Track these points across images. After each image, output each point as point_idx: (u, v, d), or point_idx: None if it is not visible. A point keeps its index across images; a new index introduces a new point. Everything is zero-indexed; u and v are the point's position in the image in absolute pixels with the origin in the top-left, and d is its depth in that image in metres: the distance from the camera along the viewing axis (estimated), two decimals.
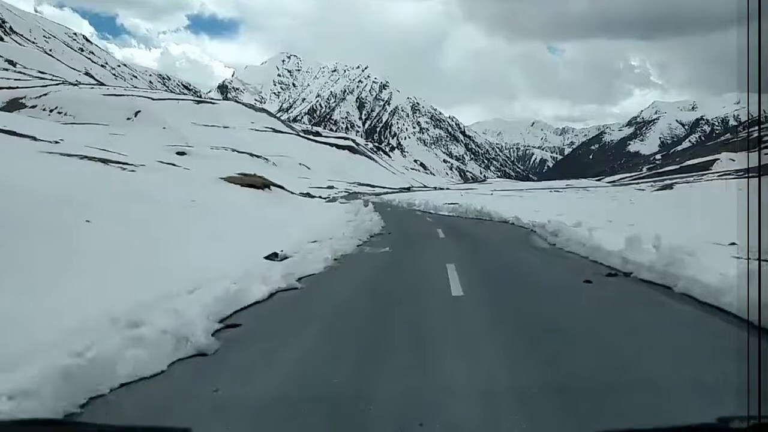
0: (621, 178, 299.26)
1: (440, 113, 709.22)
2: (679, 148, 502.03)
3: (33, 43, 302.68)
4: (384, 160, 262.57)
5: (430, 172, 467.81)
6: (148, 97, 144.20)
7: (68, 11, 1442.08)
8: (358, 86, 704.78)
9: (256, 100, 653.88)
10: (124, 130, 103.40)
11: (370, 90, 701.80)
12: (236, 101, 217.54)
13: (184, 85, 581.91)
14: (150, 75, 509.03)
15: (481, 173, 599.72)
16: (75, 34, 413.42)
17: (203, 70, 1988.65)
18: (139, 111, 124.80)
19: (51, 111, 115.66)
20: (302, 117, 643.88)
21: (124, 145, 75.40)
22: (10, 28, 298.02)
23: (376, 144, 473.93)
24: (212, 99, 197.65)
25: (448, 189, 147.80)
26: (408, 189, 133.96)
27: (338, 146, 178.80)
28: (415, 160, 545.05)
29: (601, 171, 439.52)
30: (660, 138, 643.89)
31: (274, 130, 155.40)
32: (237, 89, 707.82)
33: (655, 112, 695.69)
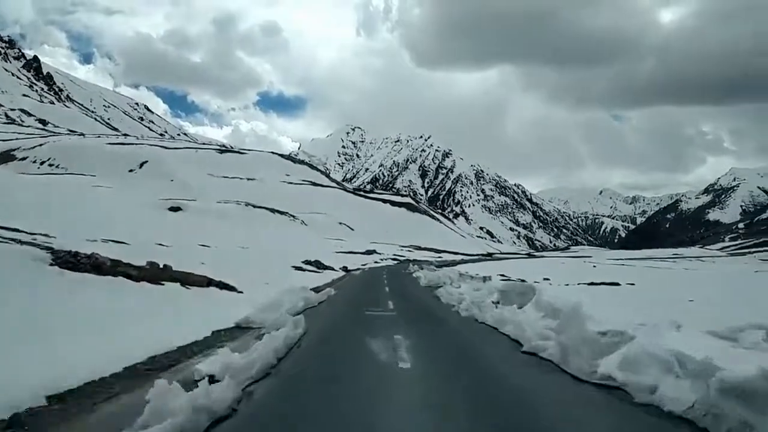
0: (726, 246, 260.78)
1: (505, 180, 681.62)
2: (763, 216, 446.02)
3: (91, 111, 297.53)
4: (452, 223, 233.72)
5: (498, 240, 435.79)
6: (161, 146, 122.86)
7: (144, 90, 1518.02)
8: (420, 155, 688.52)
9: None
10: (117, 182, 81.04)
11: (433, 158, 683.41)
12: (273, 153, 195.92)
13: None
14: (212, 145, 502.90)
15: (551, 242, 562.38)
16: (137, 104, 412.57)
17: (271, 144, 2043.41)
18: (145, 161, 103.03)
19: (42, 163, 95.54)
20: (365, 186, 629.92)
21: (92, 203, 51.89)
22: (68, 96, 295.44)
23: (439, 211, 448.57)
24: (242, 149, 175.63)
25: (534, 257, 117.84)
26: (489, 256, 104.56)
27: (393, 203, 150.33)
28: (481, 228, 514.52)
29: (681, 241, 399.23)
30: (741, 206, 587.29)
31: (314, 184, 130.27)
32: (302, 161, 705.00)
33: (734, 179, 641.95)
